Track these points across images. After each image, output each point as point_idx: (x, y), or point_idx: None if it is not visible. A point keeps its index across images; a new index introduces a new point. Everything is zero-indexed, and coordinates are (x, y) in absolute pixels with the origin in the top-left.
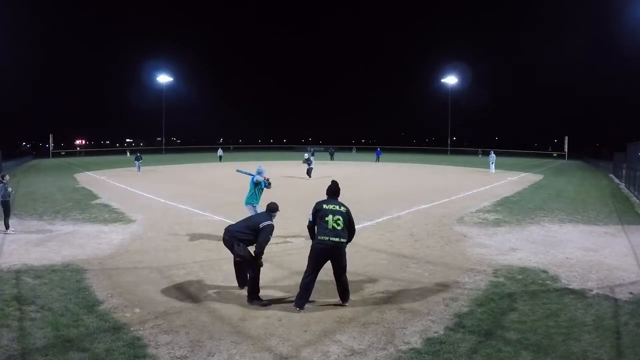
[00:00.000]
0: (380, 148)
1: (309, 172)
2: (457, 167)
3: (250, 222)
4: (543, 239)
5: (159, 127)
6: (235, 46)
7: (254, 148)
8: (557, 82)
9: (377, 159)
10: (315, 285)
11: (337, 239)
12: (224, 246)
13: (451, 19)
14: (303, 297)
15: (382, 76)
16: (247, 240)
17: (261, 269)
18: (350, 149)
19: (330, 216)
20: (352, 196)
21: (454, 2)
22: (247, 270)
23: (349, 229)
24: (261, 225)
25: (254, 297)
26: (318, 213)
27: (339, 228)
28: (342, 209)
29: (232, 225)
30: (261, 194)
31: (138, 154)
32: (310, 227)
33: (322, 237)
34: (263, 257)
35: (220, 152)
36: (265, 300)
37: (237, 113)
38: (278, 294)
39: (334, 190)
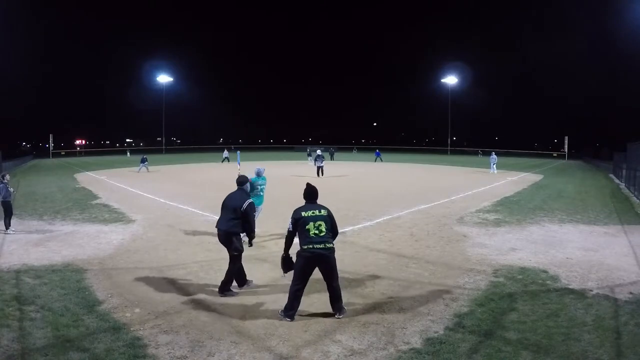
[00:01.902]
0: (378, 149)
1: (321, 170)
2: (457, 167)
3: (231, 210)
4: (543, 239)
5: (159, 127)
6: (236, 46)
7: (254, 148)
8: (557, 82)
9: (376, 159)
10: (315, 285)
11: (321, 246)
12: (222, 245)
13: (451, 19)
14: (293, 307)
15: (382, 76)
16: (239, 227)
17: (260, 268)
18: (350, 149)
19: (311, 223)
20: (352, 196)
21: (455, 1)
22: (231, 263)
23: (333, 231)
24: (242, 208)
25: (227, 287)
26: (298, 222)
27: (322, 234)
28: (323, 212)
29: (219, 222)
30: (261, 196)
31: (144, 156)
32: (289, 237)
33: (307, 246)
34: (262, 256)
35: (226, 153)
36: (235, 291)
37: (237, 113)
38: (278, 294)
39: (311, 194)
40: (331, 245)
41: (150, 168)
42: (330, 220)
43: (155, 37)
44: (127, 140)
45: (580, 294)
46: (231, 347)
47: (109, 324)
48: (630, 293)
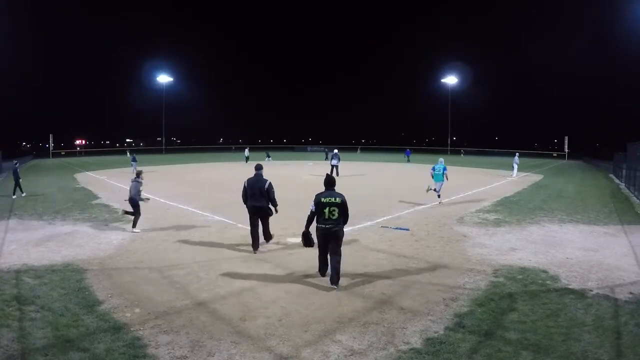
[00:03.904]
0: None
1: (336, 169)
2: (457, 167)
3: (258, 193)
4: (543, 239)
5: (159, 127)
6: (236, 46)
7: (254, 148)
8: (557, 82)
9: (408, 160)
10: (316, 285)
11: (331, 226)
12: (255, 215)
13: (451, 19)
14: (323, 268)
15: (382, 76)
16: (267, 202)
17: (261, 268)
18: (353, 149)
19: (327, 208)
20: (352, 196)
21: (455, 1)
22: (265, 225)
23: (344, 215)
24: (266, 187)
25: (270, 238)
26: (318, 205)
27: (334, 217)
28: (337, 200)
29: (252, 200)
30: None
31: (134, 155)
32: (311, 216)
33: (321, 225)
34: (262, 256)
35: (247, 152)
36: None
37: (237, 113)
38: (278, 294)
39: (329, 183)
40: (340, 225)
41: (151, 168)
42: (342, 207)
43: (155, 37)
44: (127, 140)
45: (580, 294)
46: (231, 347)
47: (109, 324)
48: (630, 293)
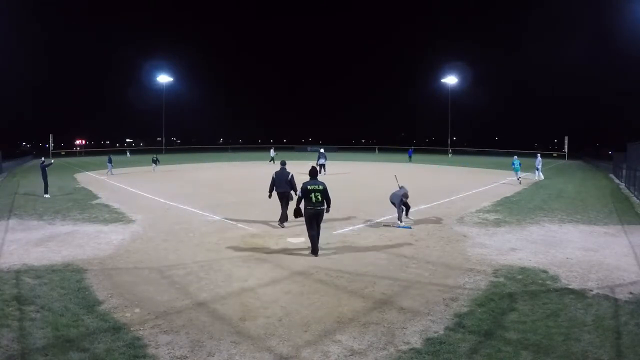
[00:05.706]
0: (412, 148)
1: (323, 168)
2: (457, 167)
3: (285, 182)
4: (543, 239)
5: (159, 127)
6: (236, 46)
7: (254, 148)
8: (557, 82)
9: (410, 159)
10: (316, 285)
11: (318, 207)
12: (281, 199)
13: (451, 19)
14: (314, 245)
15: (383, 76)
16: (290, 189)
17: (261, 269)
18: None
19: (313, 194)
20: (352, 196)
21: (456, 2)
22: (285, 206)
23: (326, 199)
24: (289, 178)
25: (284, 220)
26: (304, 191)
27: (318, 201)
28: (320, 187)
29: (279, 188)
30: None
31: (110, 156)
32: (299, 199)
33: (309, 207)
34: (262, 256)
35: (272, 152)
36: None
37: (237, 113)
38: (278, 294)
39: (313, 173)
40: (323, 207)
41: (149, 168)
42: (324, 192)
43: (155, 37)
44: (127, 140)
45: (580, 294)
46: (231, 347)
47: (109, 324)
48: (630, 293)
